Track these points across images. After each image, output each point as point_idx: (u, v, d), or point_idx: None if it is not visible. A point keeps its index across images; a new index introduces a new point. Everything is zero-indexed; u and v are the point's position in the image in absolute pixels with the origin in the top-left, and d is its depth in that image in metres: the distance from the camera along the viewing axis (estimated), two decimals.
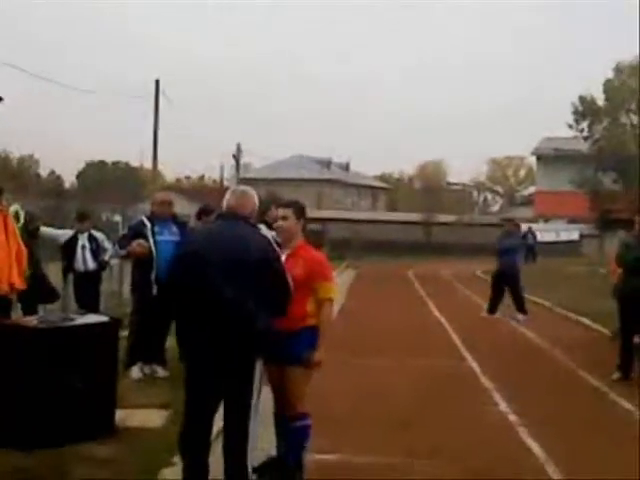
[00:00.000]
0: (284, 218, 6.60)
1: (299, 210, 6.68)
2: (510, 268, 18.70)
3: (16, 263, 9.11)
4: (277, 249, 6.03)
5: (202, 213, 11.00)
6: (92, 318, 8.01)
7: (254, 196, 6.32)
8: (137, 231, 10.17)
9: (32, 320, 7.72)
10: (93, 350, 7.39)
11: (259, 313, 5.85)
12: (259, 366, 5.99)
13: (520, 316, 18.18)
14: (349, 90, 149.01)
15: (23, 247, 9.44)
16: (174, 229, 10.24)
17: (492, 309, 18.94)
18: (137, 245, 9.96)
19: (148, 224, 10.16)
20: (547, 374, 11.85)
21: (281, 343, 6.34)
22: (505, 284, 18.82)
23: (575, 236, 58.62)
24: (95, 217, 16.32)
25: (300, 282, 6.35)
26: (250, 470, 6.01)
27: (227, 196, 6.30)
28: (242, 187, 6.66)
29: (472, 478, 6.96)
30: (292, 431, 6.56)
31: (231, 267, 5.83)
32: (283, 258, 6.52)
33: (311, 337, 6.48)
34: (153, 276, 9.91)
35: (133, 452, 7.10)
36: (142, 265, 10.07)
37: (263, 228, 13.06)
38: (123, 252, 10.29)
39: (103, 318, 8.11)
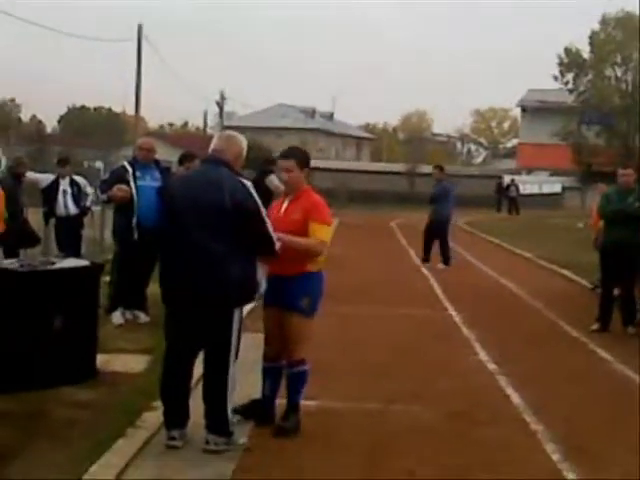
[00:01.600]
0: (288, 170, 6.54)
1: (302, 160, 6.60)
2: (437, 217, 18.65)
3: None
4: (256, 197, 5.94)
5: (184, 159, 10.95)
6: (73, 262, 7.99)
7: (241, 141, 6.25)
8: (119, 176, 10.07)
9: (13, 263, 7.68)
10: (74, 294, 7.37)
11: (234, 260, 5.83)
12: (237, 314, 6.00)
13: (440, 265, 18.17)
14: (333, 35, 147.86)
15: (0, 191, 9.37)
16: (156, 174, 10.16)
17: (425, 257, 18.86)
18: (118, 190, 9.86)
19: (130, 169, 10.07)
20: (527, 325, 11.94)
21: (281, 287, 6.38)
22: (434, 233, 18.67)
23: (557, 189, 58.79)
24: (77, 163, 16.20)
25: (299, 226, 6.37)
26: (230, 414, 6.05)
27: (213, 140, 6.26)
28: (229, 131, 6.60)
29: (449, 422, 7.03)
30: (291, 376, 6.61)
31: (206, 213, 5.81)
32: (285, 204, 6.52)
33: (311, 283, 6.52)
34: (134, 221, 9.85)
35: (114, 396, 7.15)
36: (123, 210, 10.01)
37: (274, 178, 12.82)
38: (104, 197, 10.19)
39: (84, 262, 8.10)
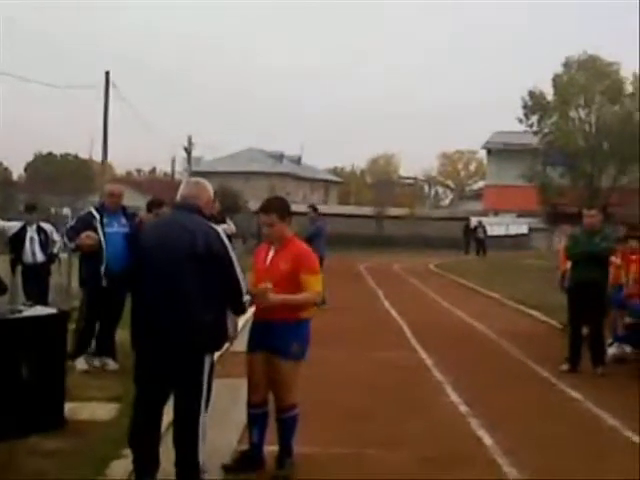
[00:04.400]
0: (270, 225, 6.55)
1: (283, 211, 6.62)
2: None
3: None
4: (227, 243, 5.94)
5: (152, 205, 10.92)
6: (40, 310, 7.90)
7: (208, 187, 6.26)
8: (86, 222, 10.00)
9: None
10: (41, 342, 7.29)
11: (207, 307, 5.81)
12: (208, 360, 5.96)
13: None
14: (300, 84, 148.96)
15: None
16: (123, 220, 10.12)
17: None
18: (86, 237, 9.79)
19: (97, 216, 10.01)
20: (497, 366, 11.94)
21: (271, 333, 6.40)
22: None
23: (524, 230, 59.30)
24: (44, 210, 16.12)
25: (287, 275, 6.42)
26: (201, 462, 5.98)
27: (181, 186, 6.26)
28: (196, 178, 6.62)
29: (421, 468, 6.99)
30: (283, 421, 6.62)
31: (180, 261, 5.79)
32: (271, 254, 6.53)
33: (302, 329, 6.57)
34: (103, 268, 9.78)
35: (82, 445, 7.04)
36: (91, 257, 9.92)
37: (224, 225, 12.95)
38: (72, 245, 10.10)
39: (51, 310, 8.02)
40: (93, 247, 9.81)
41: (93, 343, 10.27)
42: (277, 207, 6.65)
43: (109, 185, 11.38)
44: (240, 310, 6.13)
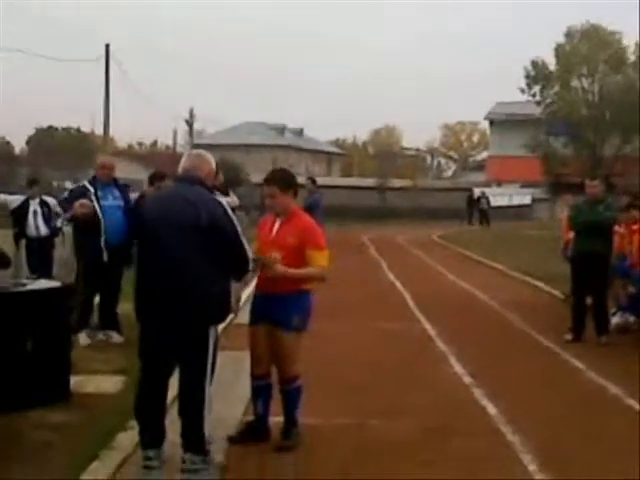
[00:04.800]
0: (271, 196, 6.55)
1: (285, 182, 6.60)
2: None
3: None
4: (231, 214, 5.94)
5: (153, 178, 10.90)
6: (43, 284, 7.92)
7: (210, 159, 6.25)
8: (79, 195, 9.94)
9: None
10: (45, 316, 7.32)
11: (212, 279, 5.82)
12: (213, 332, 5.98)
13: None
14: (302, 52, 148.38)
15: None
16: (117, 193, 10.11)
17: None
18: (80, 206, 9.66)
19: (91, 188, 9.99)
20: (501, 336, 11.97)
21: (273, 305, 6.42)
22: None
23: (527, 200, 59.21)
24: (46, 183, 16.09)
25: (293, 249, 6.43)
26: (207, 432, 6.00)
27: (183, 159, 6.25)
28: (199, 150, 6.62)
29: (425, 437, 7.03)
30: (287, 393, 6.66)
31: (183, 233, 5.79)
32: (277, 226, 6.54)
33: (304, 301, 6.61)
34: (102, 241, 9.77)
35: (88, 417, 7.09)
36: (87, 230, 9.87)
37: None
38: (67, 216, 10.05)
39: (54, 283, 8.03)
40: (88, 216, 9.72)
41: (96, 317, 10.30)
42: (279, 178, 6.65)
43: (101, 157, 11.27)
44: (243, 276, 6.17)
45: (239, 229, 5.92)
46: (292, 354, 6.61)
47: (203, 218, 5.76)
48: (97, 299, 10.37)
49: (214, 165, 6.26)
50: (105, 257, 9.76)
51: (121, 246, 9.14)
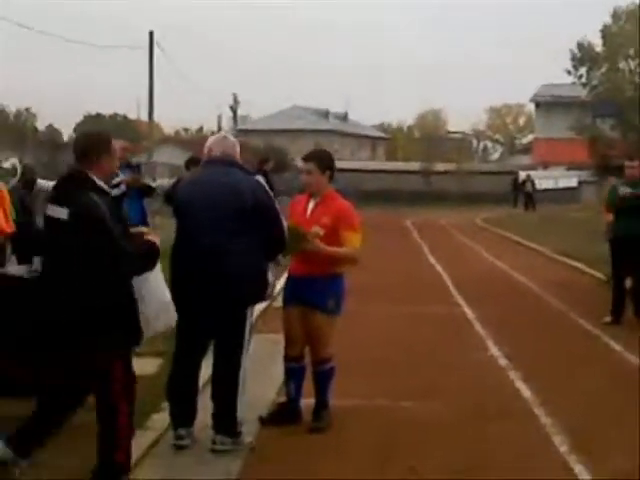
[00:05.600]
0: (308, 172, 6.57)
1: (323, 162, 6.62)
2: None
3: (0, 207, 9.04)
4: (270, 194, 6.01)
5: (190, 163, 11.06)
6: None
7: (235, 141, 6.34)
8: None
9: (20, 270, 7.71)
10: None
11: (250, 259, 5.88)
12: (249, 312, 6.04)
13: None
14: (347, 39, 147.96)
15: (4, 191, 9.38)
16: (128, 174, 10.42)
17: None
18: (132, 177, 10.15)
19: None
20: (540, 319, 11.92)
21: (307, 288, 6.47)
22: None
23: (574, 183, 58.53)
24: None
25: (328, 231, 6.44)
26: (239, 415, 6.07)
27: (208, 144, 6.31)
28: (223, 133, 6.70)
29: (458, 418, 7.04)
30: (319, 374, 6.71)
31: (224, 216, 5.86)
32: (311, 206, 6.58)
33: (338, 284, 6.65)
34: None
35: None
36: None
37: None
38: (122, 187, 10.28)
39: None
40: (138, 182, 10.29)
41: None
42: (317, 157, 6.69)
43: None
44: (276, 255, 6.23)
45: (278, 207, 5.99)
46: (326, 336, 6.65)
47: (247, 200, 5.83)
48: None
49: (238, 147, 6.33)
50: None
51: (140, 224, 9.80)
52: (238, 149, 6.24)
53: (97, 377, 5.29)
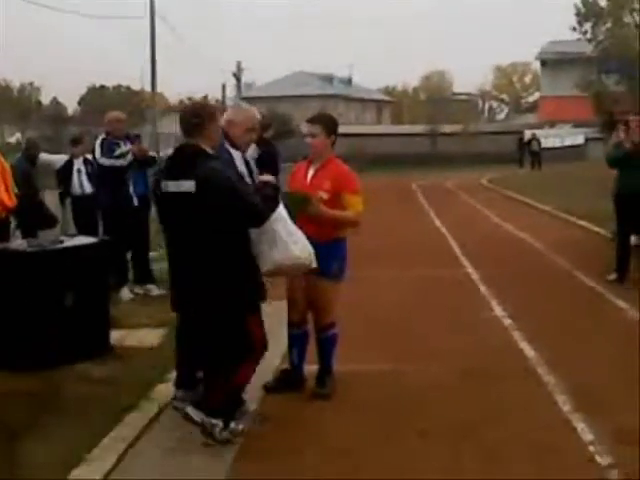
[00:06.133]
0: (313, 135, 6.48)
1: (329, 126, 6.54)
2: None
3: (2, 181, 9.08)
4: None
5: None
6: (80, 240, 8.05)
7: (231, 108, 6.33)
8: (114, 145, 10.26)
9: (22, 244, 7.76)
10: (83, 271, 7.44)
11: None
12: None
13: None
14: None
15: (6, 165, 9.41)
16: (130, 146, 10.39)
17: None
18: (138, 147, 10.38)
19: (118, 141, 10.32)
20: (545, 278, 11.89)
21: None
22: None
23: (580, 140, 58.21)
24: (92, 142, 16.19)
25: (329, 195, 6.39)
26: None
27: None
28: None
29: (462, 379, 7.07)
30: (323, 340, 6.70)
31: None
32: (312, 172, 6.52)
33: (340, 249, 6.61)
34: (131, 188, 10.31)
35: (128, 370, 7.22)
36: (115, 179, 10.22)
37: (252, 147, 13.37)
38: (130, 157, 10.25)
39: (91, 239, 8.13)
40: (144, 152, 10.53)
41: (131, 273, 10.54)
42: (324, 120, 6.59)
43: (115, 112, 11.18)
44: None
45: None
46: (329, 302, 6.64)
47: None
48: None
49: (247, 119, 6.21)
50: (136, 202, 10.05)
51: (144, 196, 10.07)
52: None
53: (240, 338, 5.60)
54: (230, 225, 5.37)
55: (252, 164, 6.19)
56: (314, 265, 5.91)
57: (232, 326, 5.58)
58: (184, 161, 5.42)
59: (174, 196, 5.36)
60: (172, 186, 5.36)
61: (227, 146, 5.97)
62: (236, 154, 5.99)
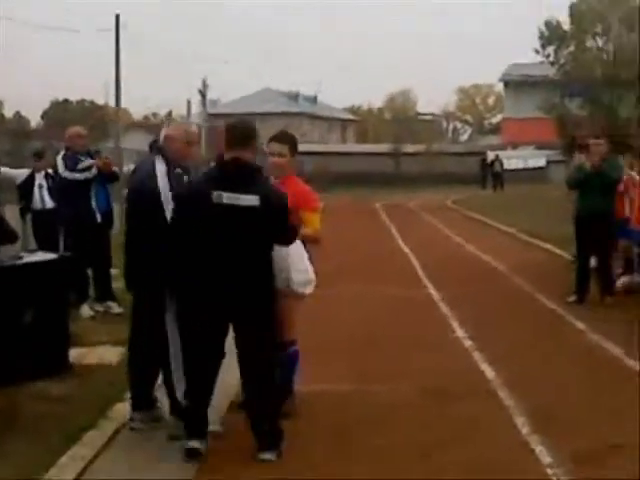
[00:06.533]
0: (280, 155, 6.49)
1: (294, 146, 6.60)
2: None
3: None
4: (159, 186, 5.88)
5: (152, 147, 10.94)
6: (40, 256, 7.98)
7: (179, 128, 6.46)
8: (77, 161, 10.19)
9: None
10: (42, 288, 7.38)
11: (158, 246, 5.85)
12: (170, 303, 5.96)
13: None
14: (315, 18, 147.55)
15: None
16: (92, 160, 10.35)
17: None
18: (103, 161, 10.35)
19: (81, 158, 10.24)
20: (505, 299, 11.98)
21: None
22: None
23: (542, 162, 58.69)
24: (54, 156, 16.05)
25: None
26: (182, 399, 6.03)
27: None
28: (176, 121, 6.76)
29: (422, 400, 7.08)
30: (284, 358, 6.58)
31: (130, 204, 6.14)
32: None
33: None
34: (94, 204, 10.23)
35: (87, 388, 7.16)
36: (78, 195, 10.13)
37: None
38: (94, 170, 10.18)
39: (51, 256, 8.06)
40: (109, 167, 10.41)
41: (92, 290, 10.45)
42: (290, 140, 6.63)
43: (76, 127, 11.11)
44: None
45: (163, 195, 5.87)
46: (289, 319, 6.60)
47: (137, 185, 6.03)
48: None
49: (185, 133, 6.28)
50: (98, 218, 9.99)
51: (106, 212, 10.24)
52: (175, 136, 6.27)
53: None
54: (273, 241, 5.72)
55: (184, 179, 6.14)
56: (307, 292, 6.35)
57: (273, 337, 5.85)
58: (241, 174, 5.56)
59: (229, 208, 5.46)
60: (228, 198, 5.46)
61: (157, 163, 6.04)
62: (161, 171, 6.00)
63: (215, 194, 5.45)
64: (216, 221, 5.51)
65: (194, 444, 5.62)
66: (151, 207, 5.86)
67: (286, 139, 6.60)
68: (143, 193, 5.93)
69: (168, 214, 5.82)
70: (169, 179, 5.96)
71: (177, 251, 5.65)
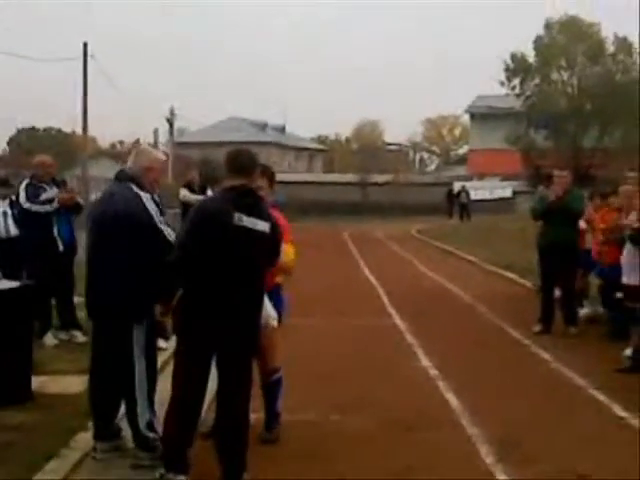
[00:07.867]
0: (259, 189, 6.48)
1: (271, 180, 6.64)
2: None
3: None
4: (150, 209, 5.94)
5: (121, 175, 10.90)
6: (4, 284, 7.91)
7: (150, 155, 6.34)
8: (41, 191, 10.11)
9: None
10: (5, 316, 7.30)
11: (129, 272, 5.85)
12: (137, 330, 5.94)
13: None
14: (282, 47, 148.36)
15: None
16: (55, 190, 10.24)
17: None
18: (67, 194, 10.26)
19: (45, 187, 10.18)
20: (470, 329, 12.03)
21: None
22: None
23: (508, 193, 59.21)
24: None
25: None
26: (145, 429, 6.00)
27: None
28: (142, 146, 6.76)
29: (387, 429, 7.07)
30: (269, 385, 6.71)
31: (104, 230, 6.00)
32: None
33: (278, 295, 6.71)
34: (56, 232, 10.13)
35: (49, 417, 7.07)
36: (40, 224, 10.07)
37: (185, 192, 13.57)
38: (55, 204, 10.10)
39: (13, 284, 7.99)
40: (72, 200, 10.34)
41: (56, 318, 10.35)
42: (269, 175, 6.66)
43: (42, 156, 11.04)
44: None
45: (158, 221, 5.95)
46: (274, 346, 6.66)
47: (120, 212, 5.89)
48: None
49: (154, 160, 6.29)
50: (61, 247, 9.92)
51: (70, 241, 10.20)
52: (144, 163, 6.26)
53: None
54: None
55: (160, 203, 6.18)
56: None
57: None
58: (253, 201, 5.64)
59: (247, 231, 5.50)
60: (247, 222, 5.50)
61: (135, 189, 6.03)
62: (145, 196, 6.02)
63: (236, 216, 5.47)
64: (235, 242, 5.50)
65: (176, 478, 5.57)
66: (142, 230, 5.86)
67: (265, 173, 6.61)
68: (131, 216, 5.87)
69: (167, 235, 5.89)
70: (155, 204, 6.00)
71: (182, 270, 5.56)
